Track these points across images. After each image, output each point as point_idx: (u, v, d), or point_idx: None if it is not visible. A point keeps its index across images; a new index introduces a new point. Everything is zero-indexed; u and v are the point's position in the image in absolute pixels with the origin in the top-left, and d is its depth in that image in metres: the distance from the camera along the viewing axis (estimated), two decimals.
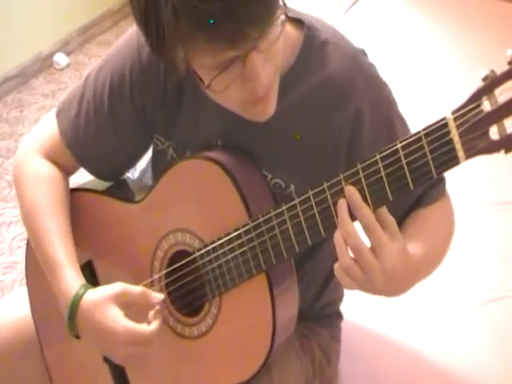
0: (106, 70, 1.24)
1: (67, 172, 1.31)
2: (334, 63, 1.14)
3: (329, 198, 0.99)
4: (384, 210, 0.97)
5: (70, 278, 1.17)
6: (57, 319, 1.25)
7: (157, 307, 1.14)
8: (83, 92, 1.26)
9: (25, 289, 1.39)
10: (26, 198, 1.27)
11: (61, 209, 1.25)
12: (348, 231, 0.97)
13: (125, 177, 1.37)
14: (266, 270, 1.09)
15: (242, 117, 1.13)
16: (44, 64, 3.30)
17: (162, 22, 0.92)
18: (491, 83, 0.85)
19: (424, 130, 0.90)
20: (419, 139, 0.91)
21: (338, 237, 0.98)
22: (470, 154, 0.88)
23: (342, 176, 0.98)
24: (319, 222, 1.01)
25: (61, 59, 3.31)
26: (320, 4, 3.21)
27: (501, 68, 0.84)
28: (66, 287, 1.16)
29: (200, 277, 1.16)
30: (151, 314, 1.13)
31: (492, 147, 0.87)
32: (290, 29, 1.11)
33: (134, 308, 1.14)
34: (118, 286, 1.14)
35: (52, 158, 1.29)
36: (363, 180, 0.96)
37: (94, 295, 1.15)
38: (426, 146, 0.90)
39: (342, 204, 0.97)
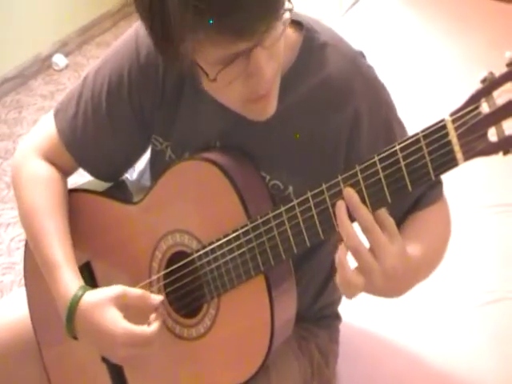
0: (105, 70, 1.24)
1: (66, 173, 1.32)
2: (332, 65, 1.14)
3: (327, 199, 0.99)
4: (383, 211, 0.97)
5: (69, 280, 1.17)
6: (55, 320, 1.25)
7: (158, 309, 1.15)
8: (81, 92, 1.26)
9: (23, 290, 1.39)
10: (23, 199, 1.27)
11: (59, 210, 1.25)
12: (347, 233, 0.97)
13: (123, 178, 1.37)
14: (265, 271, 1.09)
15: (241, 117, 1.13)
16: (43, 65, 3.30)
17: (169, 14, 0.91)
18: (490, 85, 0.85)
19: (422, 131, 0.91)
20: (418, 141, 0.91)
21: (340, 256, 0.98)
22: (468, 156, 0.88)
23: (340, 178, 0.98)
24: (318, 223, 1.02)
25: (59, 60, 3.31)
26: (319, 5, 3.21)
27: (499, 70, 0.85)
28: (65, 289, 1.17)
29: (198, 278, 1.16)
30: (152, 316, 1.14)
31: (490, 149, 0.87)
32: (289, 30, 1.12)
33: (133, 310, 1.14)
34: (117, 288, 1.15)
35: (50, 158, 1.29)
36: (362, 182, 0.96)
37: (92, 297, 1.15)
38: (424, 147, 0.90)
39: (340, 206, 0.97)
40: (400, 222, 1.16)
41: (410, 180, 0.93)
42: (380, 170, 0.94)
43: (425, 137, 0.90)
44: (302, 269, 1.24)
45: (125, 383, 1.29)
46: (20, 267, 2.37)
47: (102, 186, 1.33)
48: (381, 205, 0.97)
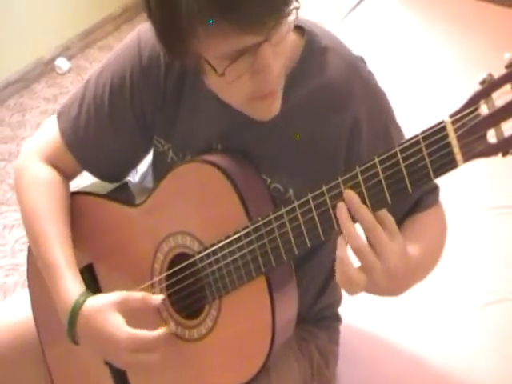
0: (107, 72, 1.24)
1: (68, 176, 1.32)
2: (333, 69, 1.14)
3: (328, 201, 0.99)
4: (383, 211, 0.97)
5: (70, 286, 1.18)
6: (58, 322, 1.24)
7: (167, 324, 1.17)
8: (84, 94, 1.27)
9: (26, 291, 1.39)
10: (25, 202, 1.27)
11: (60, 214, 1.25)
12: (349, 233, 0.96)
13: (126, 180, 1.37)
14: (266, 272, 1.09)
15: (241, 118, 1.13)
16: (46, 68, 3.31)
17: (180, 6, 0.92)
18: (489, 87, 0.85)
19: (422, 133, 0.90)
20: (417, 142, 0.91)
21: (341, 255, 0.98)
22: (467, 158, 0.88)
23: (340, 179, 0.98)
24: (318, 224, 1.01)
25: (62, 64, 3.32)
26: (319, 8, 3.22)
27: (498, 72, 0.84)
28: (66, 294, 1.17)
29: (200, 279, 1.16)
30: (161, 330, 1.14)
31: (490, 150, 0.87)
32: (291, 34, 1.11)
33: (136, 313, 1.14)
34: (119, 294, 1.15)
35: (53, 161, 1.29)
36: (362, 183, 0.96)
37: (94, 302, 1.15)
38: (424, 149, 0.90)
39: (341, 207, 0.97)
40: (399, 224, 1.16)
41: (410, 181, 0.93)
42: (380, 172, 0.94)
43: (424, 138, 0.90)
44: (303, 270, 1.24)
45: (127, 383, 1.28)
46: (23, 269, 2.38)
47: (104, 188, 1.33)
48: (381, 206, 0.96)
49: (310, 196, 1.01)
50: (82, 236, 1.28)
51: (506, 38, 2.45)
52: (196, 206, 1.17)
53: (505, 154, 0.86)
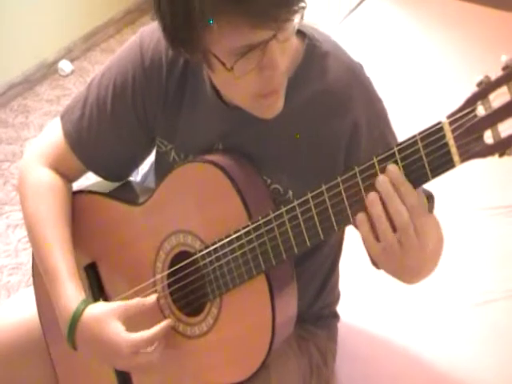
0: (110, 74, 1.25)
1: (71, 178, 1.32)
2: (333, 73, 1.14)
3: (327, 200, 0.99)
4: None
5: (70, 293, 1.18)
6: None
7: (167, 320, 1.18)
8: (87, 96, 1.27)
9: (30, 290, 1.39)
10: (27, 207, 1.28)
11: (61, 221, 1.25)
12: (397, 209, 0.93)
13: (129, 180, 1.37)
14: (266, 270, 1.09)
15: (241, 119, 1.13)
16: (49, 71, 3.31)
17: None
18: (485, 88, 0.85)
19: (420, 133, 0.91)
20: (415, 143, 0.91)
21: (379, 214, 0.95)
22: (465, 158, 0.88)
23: (339, 179, 0.98)
24: (318, 223, 1.01)
25: (65, 66, 3.32)
26: (318, 12, 3.22)
27: (495, 74, 0.85)
28: (66, 302, 1.18)
29: (201, 277, 1.17)
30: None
31: (486, 151, 0.87)
32: (293, 38, 1.12)
33: (134, 319, 1.16)
34: (117, 304, 1.17)
35: (57, 163, 1.30)
36: (361, 183, 0.96)
37: (94, 310, 1.16)
38: (421, 149, 0.91)
39: (384, 180, 0.94)
40: None
41: (408, 181, 0.93)
42: (378, 172, 0.94)
43: (422, 139, 0.90)
44: (303, 269, 1.24)
45: (129, 379, 1.29)
46: (27, 268, 2.38)
47: (108, 188, 1.33)
48: None
49: (309, 195, 1.01)
50: (85, 234, 1.29)
51: (503, 40, 2.45)
52: (197, 205, 1.17)
53: (501, 154, 0.86)
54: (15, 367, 1.36)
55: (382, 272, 1.07)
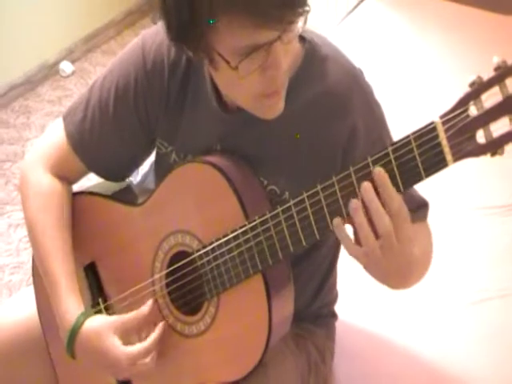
0: (112, 77, 1.25)
1: (71, 180, 1.32)
2: (333, 77, 1.14)
3: (322, 199, 0.99)
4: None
5: (70, 304, 1.20)
6: None
7: (159, 325, 1.19)
8: (89, 98, 1.27)
9: (31, 289, 1.39)
10: (28, 211, 1.28)
11: (59, 228, 1.25)
12: (377, 210, 0.94)
13: (128, 182, 1.37)
14: (263, 270, 1.09)
15: (239, 121, 1.13)
16: (50, 72, 3.30)
17: None
18: (478, 89, 0.85)
19: (413, 133, 0.91)
20: (409, 142, 0.91)
21: (361, 221, 0.96)
22: (457, 157, 0.89)
23: (334, 179, 0.98)
24: (313, 223, 1.02)
25: (66, 67, 3.32)
26: (315, 14, 3.21)
27: (487, 74, 0.85)
28: (66, 312, 1.19)
29: (199, 277, 1.17)
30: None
31: (479, 150, 0.87)
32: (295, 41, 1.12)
33: (131, 332, 1.19)
34: (115, 318, 1.19)
35: (58, 165, 1.29)
36: (355, 182, 0.96)
37: (93, 324, 1.18)
38: (415, 149, 0.91)
39: (367, 186, 0.94)
40: None
41: (401, 181, 0.94)
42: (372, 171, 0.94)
43: (416, 138, 0.91)
44: (300, 269, 1.24)
45: (129, 380, 1.29)
46: (28, 267, 2.37)
47: (109, 188, 1.33)
48: None
49: (305, 195, 1.01)
50: (84, 235, 1.29)
51: (498, 42, 2.45)
52: (195, 205, 1.17)
53: (493, 153, 0.86)
54: (15, 366, 1.36)
55: None
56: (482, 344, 1.60)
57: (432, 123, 0.89)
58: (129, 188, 1.36)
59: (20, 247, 2.50)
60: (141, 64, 1.21)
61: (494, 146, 0.86)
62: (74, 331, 1.18)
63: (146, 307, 1.19)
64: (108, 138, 1.27)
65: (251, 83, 1.02)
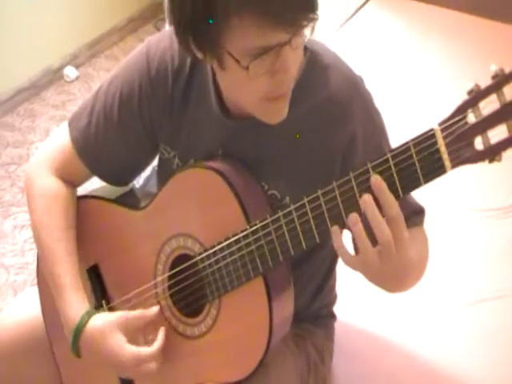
0: (117, 82, 1.24)
1: (76, 184, 1.32)
2: (334, 86, 1.14)
3: (322, 204, 0.99)
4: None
5: (75, 304, 1.19)
6: None
7: (161, 328, 1.18)
8: (94, 104, 1.27)
9: (35, 289, 1.39)
10: (34, 215, 1.28)
11: (65, 229, 1.25)
12: (376, 220, 0.94)
13: (131, 186, 1.37)
14: (264, 273, 1.09)
15: (241, 127, 1.13)
16: (54, 77, 3.31)
17: None
18: (476, 96, 0.85)
19: (412, 140, 0.91)
20: (408, 149, 0.91)
21: (360, 233, 0.95)
22: (456, 164, 0.89)
23: (335, 184, 0.98)
24: (313, 227, 1.01)
25: (70, 72, 3.32)
26: None
27: (485, 82, 0.85)
28: (71, 312, 1.18)
29: (201, 279, 1.16)
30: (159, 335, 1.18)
31: (477, 157, 0.87)
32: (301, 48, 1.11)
33: (136, 331, 1.17)
34: (119, 314, 1.18)
35: (62, 168, 1.29)
36: (355, 188, 0.96)
37: (98, 322, 1.17)
38: (414, 155, 0.91)
39: (367, 198, 0.94)
40: None
41: (401, 186, 0.93)
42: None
43: (415, 145, 0.90)
44: (300, 271, 1.24)
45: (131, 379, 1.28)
46: (32, 267, 2.37)
47: (111, 192, 1.33)
48: None
49: (305, 200, 1.01)
50: (88, 238, 1.28)
51: (494, 49, 2.45)
52: (197, 209, 1.17)
53: (491, 160, 0.86)
54: (19, 366, 1.36)
55: None
56: (478, 344, 1.60)
57: (431, 130, 0.89)
58: (132, 192, 1.36)
59: (25, 248, 2.50)
60: (145, 71, 1.21)
61: (492, 153, 0.85)
62: (79, 330, 1.17)
63: (153, 310, 1.19)
64: (112, 143, 1.26)
65: (259, 85, 1.02)
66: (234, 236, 1.10)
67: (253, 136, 1.16)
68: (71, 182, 1.31)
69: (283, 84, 1.03)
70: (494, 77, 0.84)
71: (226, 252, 1.11)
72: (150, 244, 1.23)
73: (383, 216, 0.94)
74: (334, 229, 0.98)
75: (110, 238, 1.29)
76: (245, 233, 1.08)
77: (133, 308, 1.23)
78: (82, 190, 1.35)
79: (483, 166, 0.89)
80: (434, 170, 0.90)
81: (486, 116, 0.85)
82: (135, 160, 1.30)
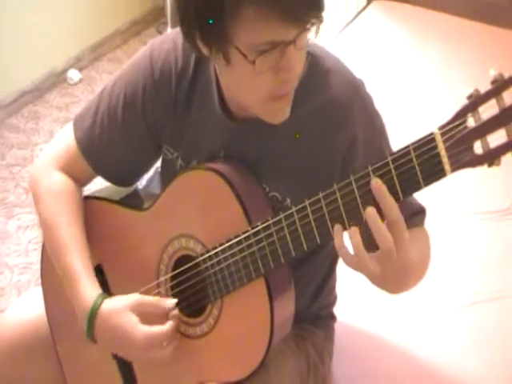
0: (121, 84, 1.24)
1: (81, 182, 1.32)
2: (335, 89, 1.14)
3: (324, 207, 0.99)
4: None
5: (88, 288, 1.18)
6: (69, 318, 1.25)
7: (173, 312, 1.16)
8: (98, 105, 1.27)
9: (39, 289, 1.39)
10: (42, 211, 1.27)
11: (76, 221, 1.25)
12: (383, 236, 0.94)
13: (135, 187, 1.37)
14: (265, 274, 1.09)
15: (243, 130, 1.13)
16: (58, 79, 3.31)
17: None
18: (475, 101, 0.85)
19: (413, 144, 0.91)
20: (408, 152, 0.91)
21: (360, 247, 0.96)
22: (455, 167, 0.89)
23: (336, 187, 0.98)
24: (315, 229, 1.01)
25: (74, 75, 3.32)
26: None
27: (484, 87, 0.85)
28: (84, 297, 1.17)
29: (203, 280, 1.16)
30: (171, 314, 1.15)
31: (476, 161, 0.87)
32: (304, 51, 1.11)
33: (148, 316, 1.15)
34: (134, 297, 1.16)
35: (68, 168, 1.29)
36: (356, 191, 0.96)
37: (111, 304, 1.16)
38: (414, 159, 0.91)
39: (371, 211, 0.94)
40: None
41: (401, 189, 0.93)
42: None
43: (415, 149, 0.90)
44: (301, 272, 1.24)
45: (133, 377, 1.29)
46: (36, 267, 2.38)
47: (115, 192, 1.33)
48: None
49: (307, 202, 1.01)
50: (92, 238, 1.28)
51: (493, 54, 2.46)
52: (199, 210, 1.17)
53: (490, 164, 0.86)
54: (22, 365, 1.35)
55: None
56: (475, 345, 1.60)
57: (431, 134, 0.89)
58: (135, 193, 1.36)
59: (29, 248, 2.50)
60: (149, 73, 1.21)
61: (491, 157, 0.85)
62: (93, 313, 1.15)
63: (171, 301, 1.16)
64: (116, 143, 1.26)
65: (263, 83, 1.02)
66: (235, 237, 1.10)
67: (255, 138, 1.16)
68: (77, 180, 1.30)
69: (287, 83, 1.03)
70: (494, 82, 0.84)
71: (228, 253, 1.11)
72: (153, 244, 1.23)
73: (383, 218, 0.94)
74: (336, 228, 0.98)
75: (113, 239, 1.29)
76: (246, 234, 1.08)
77: None
78: (84, 191, 1.35)
79: (482, 170, 0.90)
80: (434, 173, 0.90)
81: (486, 120, 0.85)
82: (139, 161, 1.30)
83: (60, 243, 1.22)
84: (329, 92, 1.14)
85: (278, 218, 1.04)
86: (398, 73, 2.52)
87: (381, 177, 0.94)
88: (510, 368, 1.55)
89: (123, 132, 1.25)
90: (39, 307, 1.37)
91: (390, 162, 0.92)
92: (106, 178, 1.32)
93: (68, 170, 1.29)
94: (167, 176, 1.28)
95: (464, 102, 0.86)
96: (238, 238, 1.09)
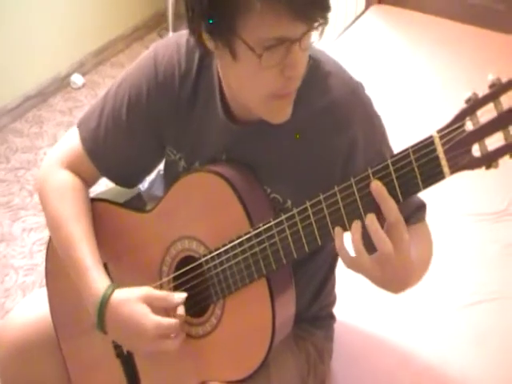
0: (125, 86, 1.24)
1: (87, 183, 1.31)
2: (335, 92, 1.14)
3: (324, 208, 0.99)
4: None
5: (98, 280, 1.17)
6: (73, 317, 1.25)
7: (182, 306, 1.15)
8: (103, 106, 1.27)
9: (43, 290, 1.39)
10: (50, 208, 1.26)
11: (84, 216, 1.24)
12: (382, 240, 0.95)
13: (137, 189, 1.37)
14: (267, 274, 1.09)
15: (244, 133, 1.13)
16: (62, 84, 3.31)
17: None
18: (473, 105, 0.86)
19: (412, 147, 0.91)
20: (407, 155, 0.91)
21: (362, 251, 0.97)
22: (454, 170, 0.89)
23: (336, 188, 0.98)
24: (316, 230, 1.02)
25: (77, 79, 3.32)
26: None
27: (482, 91, 0.85)
28: (94, 288, 1.16)
29: (205, 280, 1.16)
30: (179, 309, 1.15)
31: (474, 163, 0.87)
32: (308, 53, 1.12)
33: (157, 309, 1.14)
34: (144, 289, 1.15)
35: (74, 168, 1.29)
36: (356, 193, 0.96)
37: (122, 294, 1.15)
38: (413, 161, 0.91)
39: (372, 218, 0.95)
40: None
41: (400, 191, 0.94)
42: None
43: (414, 152, 0.91)
44: (301, 273, 1.23)
45: (136, 374, 1.28)
46: (41, 269, 2.38)
47: (119, 194, 1.33)
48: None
49: (308, 204, 1.01)
50: (97, 239, 1.28)
51: (490, 58, 2.46)
52: (202, 212, 1.17)
53: (488, 167, 0.87)
54: (27, 364, 1.35)
55: None
56: (474, 345, 1.60)
57: (430, 137, 0.89)
58: (139, 195, 1.36)
59: (33, 250, 2.51)
60: (152, 75, 1.21)
61: (489, 160, 0.86)
62: (103, 303, 1.14)
63: (180, 296, 1.15)
64: (121, 145, 1.26)
65: (268, 79, 1.02)
66: (237, 239, 1.10)
67: (256, 141, 1.16)
68: (83, 180, 1.30)
69: (291, 81, 1.03)
70: (492, 86, 0.84)
71: (230, 254, 1.11)
72: (156, 246, 1.23)
73: (383, 220, 0.95)
74: (337, 230, 0.98)
75: (116, 240, 1.29)
76: (248, 235, 1.08)
77: None
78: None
79: (479, 172, 0.90)
80: (433, 175, 0.90)
81: (484, 124, 0.85)
82: (143, 162, 1.30)
83: (69, 239, 1.21)
84: (329, 95, 1.14)
85: (279, 219, 1.04)
86: (396, 76, 2.52)
87: (381, 179, 0.94)
88: (508, 368, 1.55)
89: (127, 134, 1.25)
90: (44, 308, 1.36)
91: (390, 165, 0.93)
92: (111, 178, 1.32)
93: (74, 169, 1.29)
94: (170, 177, 1.28)
95: (462, 105, 0.87)
96: (240, 240, 1.09)
